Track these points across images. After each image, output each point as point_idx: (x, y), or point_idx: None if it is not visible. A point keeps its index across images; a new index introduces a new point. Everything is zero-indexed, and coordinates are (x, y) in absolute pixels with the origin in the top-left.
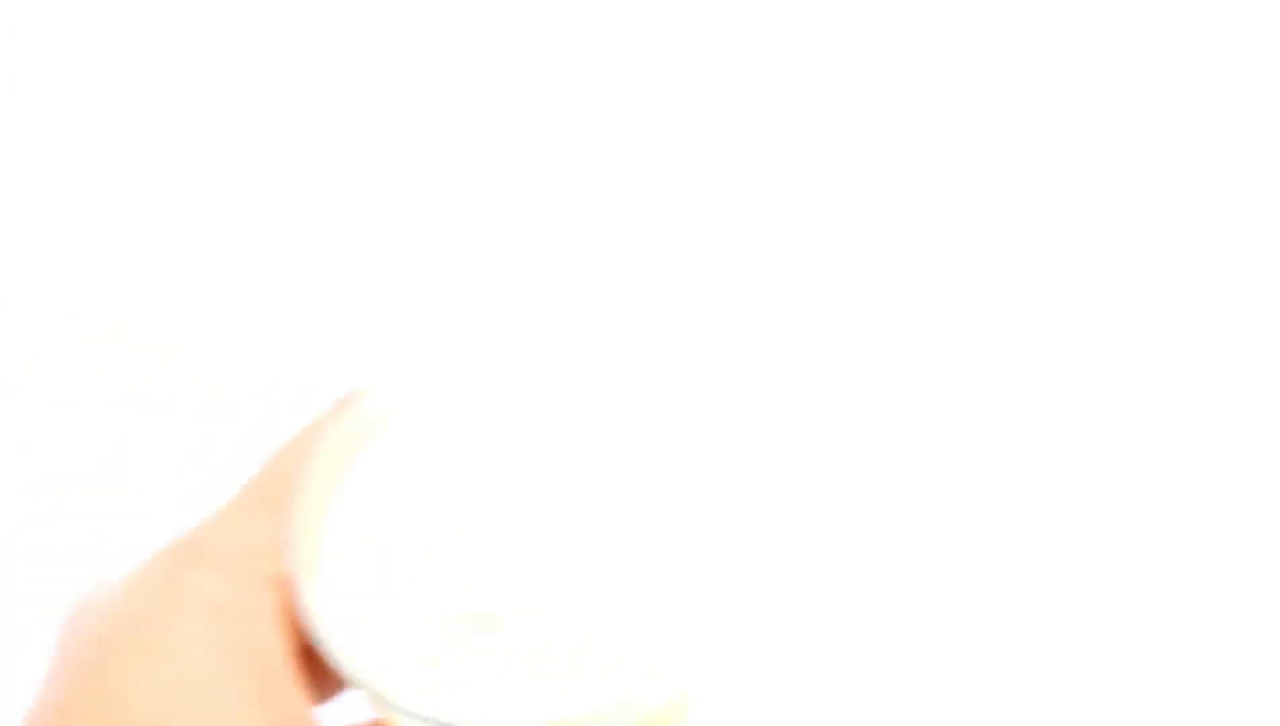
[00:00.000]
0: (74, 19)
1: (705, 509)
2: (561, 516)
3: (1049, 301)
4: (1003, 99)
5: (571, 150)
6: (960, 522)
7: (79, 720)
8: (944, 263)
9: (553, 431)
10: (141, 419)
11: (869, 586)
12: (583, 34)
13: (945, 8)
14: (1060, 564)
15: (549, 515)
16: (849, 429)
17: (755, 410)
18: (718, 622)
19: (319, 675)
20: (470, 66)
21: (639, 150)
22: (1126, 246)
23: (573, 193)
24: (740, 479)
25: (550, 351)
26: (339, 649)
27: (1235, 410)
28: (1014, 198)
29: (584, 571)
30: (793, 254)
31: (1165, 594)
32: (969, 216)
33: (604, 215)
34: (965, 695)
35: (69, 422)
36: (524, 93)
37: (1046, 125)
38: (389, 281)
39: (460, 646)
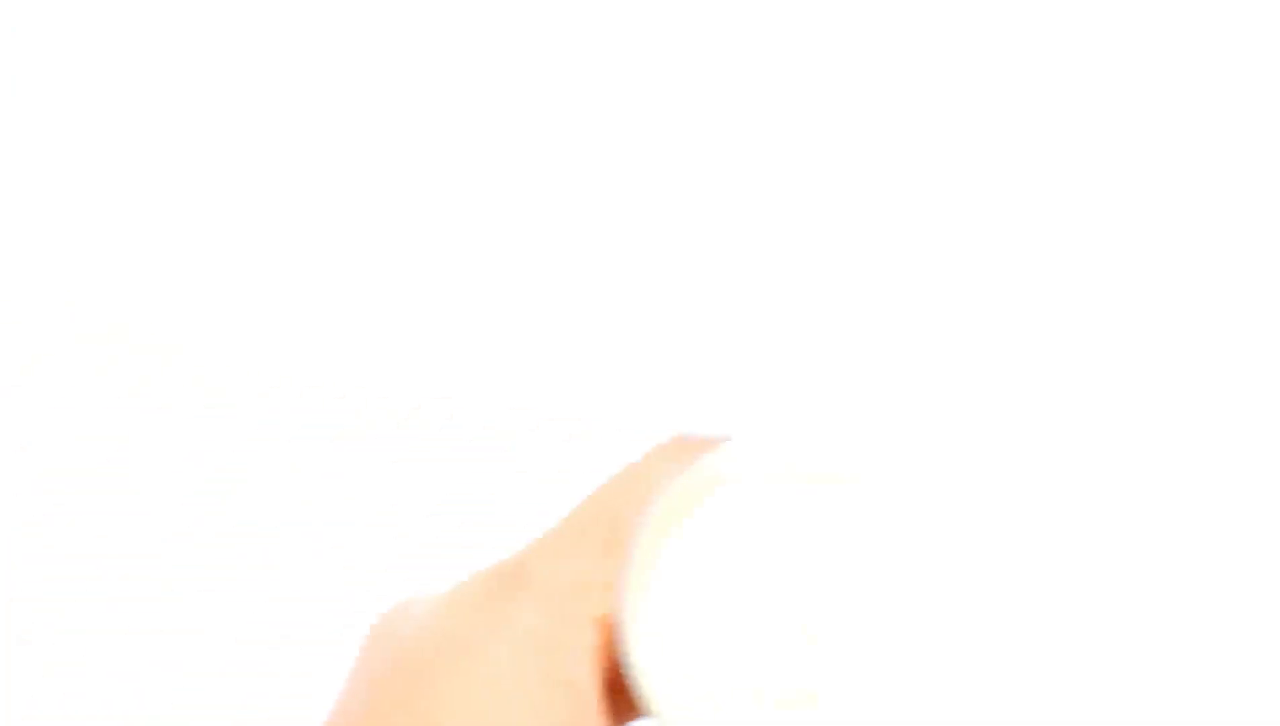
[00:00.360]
0: (74, 19)
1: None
2: (890, 603)
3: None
4: (1004, 94)
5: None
6: None
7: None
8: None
9: (887, 510)
10: (141, 419)
11: None
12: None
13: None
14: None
15: (878, 600)
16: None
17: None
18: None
19: (622, 708)
20: (470, 71)
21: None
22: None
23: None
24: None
25: (887, 428)
26: (655, 697)
27: (1234, 406)
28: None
29: (904, 664)
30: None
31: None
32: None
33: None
34: None
35: (69, 422)
36: (519, 95)
37: (1048, 119)
38: (388, 281)
39: (771, 717)
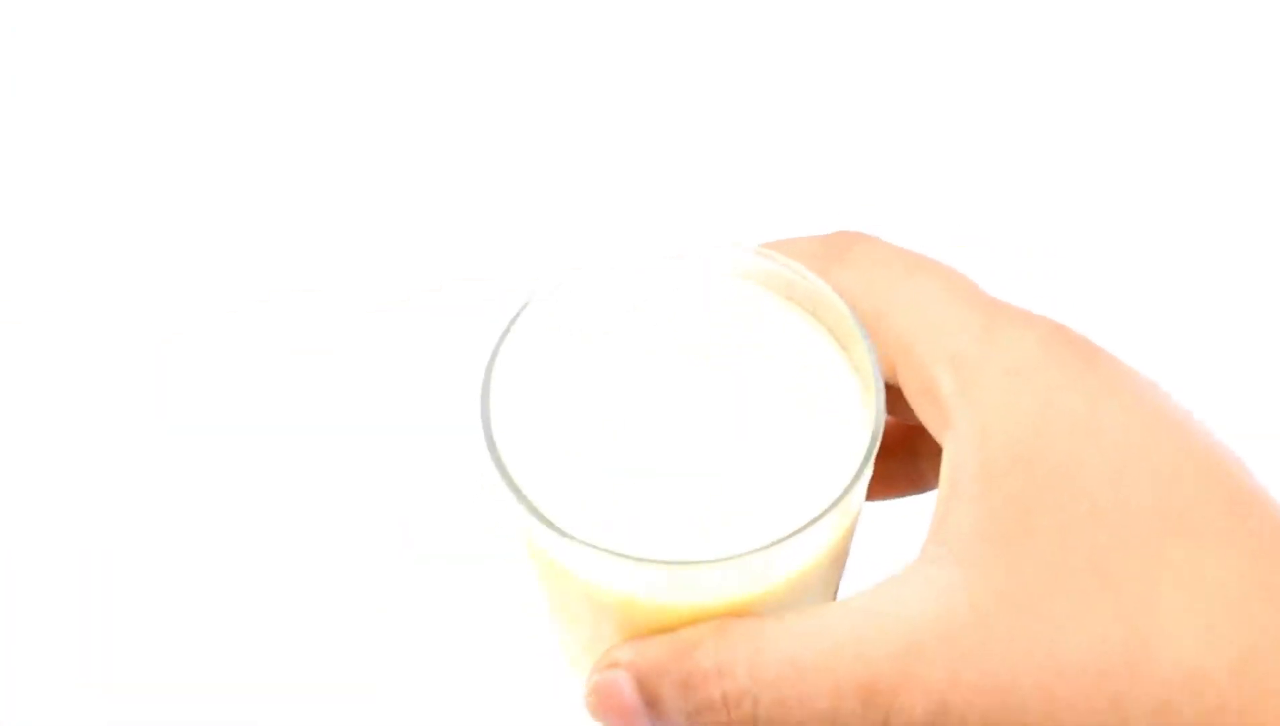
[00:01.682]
0: (74, 19)
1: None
2: (704, 393)
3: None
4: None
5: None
6: None
7: None
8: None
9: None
10: (144, 418)
11: None
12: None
13: None
14: None
15: (694, 391)
16: None
17: None
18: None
19: None
20: (468, 74)
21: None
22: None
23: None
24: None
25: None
26: (516, 475)
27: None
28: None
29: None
30: None
31: None
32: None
33: None
34: None
35: (73, 421)
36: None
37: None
38: (389, 280)
39: (614, 486)
